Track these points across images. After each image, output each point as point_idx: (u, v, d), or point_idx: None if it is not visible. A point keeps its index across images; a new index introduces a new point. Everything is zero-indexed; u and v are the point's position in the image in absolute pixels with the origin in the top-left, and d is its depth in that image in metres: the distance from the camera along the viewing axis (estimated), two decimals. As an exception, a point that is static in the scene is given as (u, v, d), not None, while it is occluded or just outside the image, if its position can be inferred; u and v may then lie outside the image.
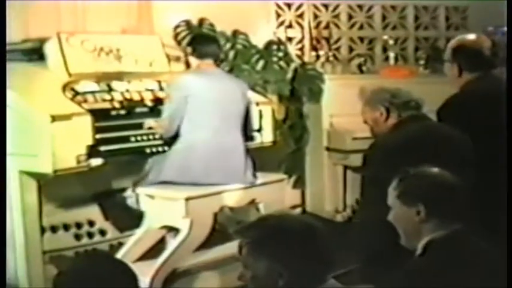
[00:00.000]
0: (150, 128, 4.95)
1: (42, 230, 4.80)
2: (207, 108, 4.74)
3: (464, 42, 4.45)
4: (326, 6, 7.53)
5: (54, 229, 4.93)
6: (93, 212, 5.14)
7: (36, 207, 4.69)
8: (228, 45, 6.39)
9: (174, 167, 4.69)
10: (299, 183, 6.71)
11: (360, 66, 7.38)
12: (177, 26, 6.37)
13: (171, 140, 4.83)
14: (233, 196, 4.82)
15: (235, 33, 6.55)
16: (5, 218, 4.46)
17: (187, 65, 5.35)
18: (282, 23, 7.32)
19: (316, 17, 7.48)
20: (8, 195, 4.62)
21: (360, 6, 7.70)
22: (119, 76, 5.18)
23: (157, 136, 4.97)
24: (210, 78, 4.85)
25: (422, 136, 3.81)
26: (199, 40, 5.17)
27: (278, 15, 7.32)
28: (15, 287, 4.69)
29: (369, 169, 3.95)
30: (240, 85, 5.09)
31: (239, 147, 4.86)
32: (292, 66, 6.69)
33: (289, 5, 7.36)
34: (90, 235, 5.08)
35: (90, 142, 4.50)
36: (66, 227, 5.00)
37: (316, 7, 7.48)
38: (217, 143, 4.74)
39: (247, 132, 5.12)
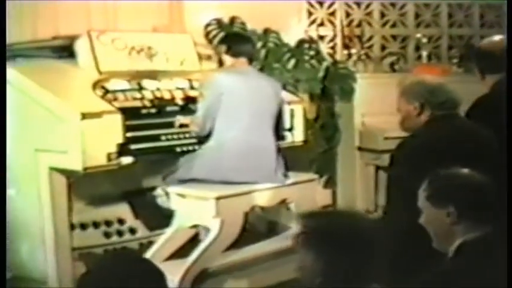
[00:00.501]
0: (181, 127, 4.94)
1: (72, 227, 4.82)
2: (240, 106, 4.73)
3: (481, 45, 4.40)
4: (358, 4, 7.50)
5: (83, 226, 4.94)
6: (123, 210, 5.15)
7: (66, 204, 4.71)
8: (260, 44, 6.37)
9: (205, 165, 4.68)
10: (330, 183, 6.68)
11: (392, 64, 7.34)
12: (208, 25, 6.37)
13: (203, 138, 4.82)
14: (264, 196, 4.79)
15: (267, 31, 6.52)
16: (5, 218, 4.46)
17: (220, 63, 5.33)
18: (313, 21, 7.31)
19: (348, 15, 7.46)
20: (38, 192, 4.65)
21: (393, 4, 7.65)
22: (150, 74, 5.18)
23: (187, 135, 4.97)
24: (244, 77, 4.84)
25: (452, 136, 3.74)
26: (234, 39, 5.18)
27: (310, 14, 7.31)
28: (43, 282, 4.72)
29: (397, 169, 3.89)
30: (273, 84, 5.07)
31: (271, 146, 4.84)
32: (324, 64, 6.64)
33: (321, 3, 7.34)
34: (119, 233, 5.08)
35: (120, 140, 4.51)
36: (95, 225, 5.02)
37: (348, 5, 7.45)
38: (249, 141, 4.72)
39: (279, 132, 5.10)
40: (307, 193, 5.05)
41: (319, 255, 2.38)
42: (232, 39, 5.15)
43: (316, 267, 2.38)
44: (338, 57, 7.17)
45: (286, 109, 5.41)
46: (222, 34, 6.08)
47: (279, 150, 4.94)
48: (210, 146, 4.75)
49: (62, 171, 4.61)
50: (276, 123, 4.99)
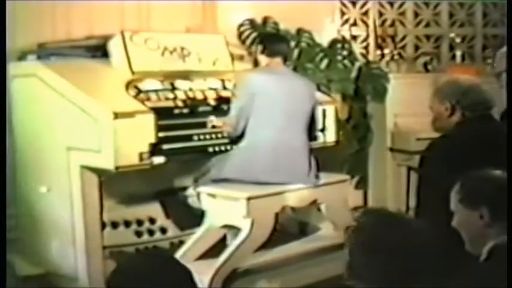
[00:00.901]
0: (213, 127, 4.92)
1: (103, 225, 4.85)
2: (274, 106, 4.71)
3: None
4: (391, 3, 7.48)
5: (114, 225, 4.98)
6: (154, 209, 5.16)
7: (97, 203, 4.74)
8: (292, 44, 6.39)
9: (237, 165, 4.68)
10: (361, 184, 6.67)
11: (425, 65, 7.30)
12: (241, 25, 6.40)
13: (236, 139, 4.83)
14: (295, 196, 4.77)
15: (299, 31, 6.54)
16: (5, 218, 4.49)
17: (255, 63, 5.32)
18: (346, 21, 7.30)
19: (381, 14, 7.44)
20: (69, 190, 4.70)
21: (427, 4, 7.61)
22: (183, 75, 5.18)
23: (220, 135, 4.97)
24: (279, 77, 4.81)
25: (484, 137, 3.69)
26: (270, 38, 5.18)
27: (343, 13, 7.30)
28: (74, 279, 4.76)
29: (428, 170, 3.85)
30: (307, 84, 5.04)
31: (304, 147, 4.82)
32: (357, 65, 6.64)
33: (354, 3, 7.34)
34: (150, 232, 5.10)
35: (152, 140, 4.52)
36: (126, 224, 5.05)
37: (381, 4, 7.44)
38: (282, 142, 4.70)
39: (312, 132, 5.08)
40: (339, 194, 5.04)
41: (365, 252, 2.36)
42: (268, 39, 5.14)
43: (362, 264, 2.36)
44: (371, 57, 7.16)
45: (319, 109, 5.40)
46: (254, 34, 6.11)
47: (311, 150, 4.93)
48: (243, 146, 4.75)
49: (94, 170, 4.64)
50: (310, 124, 4.98)
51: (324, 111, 5.47)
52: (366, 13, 7.36)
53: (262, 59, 4.96)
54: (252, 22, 6.44)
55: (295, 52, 6.41)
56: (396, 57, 7.22)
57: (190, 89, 5.15)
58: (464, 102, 3.79)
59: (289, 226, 5.30)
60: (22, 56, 5.13)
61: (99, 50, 5.15)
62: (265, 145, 4.69)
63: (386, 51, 7.19)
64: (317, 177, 4.88)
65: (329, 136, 5.53)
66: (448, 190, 2.84)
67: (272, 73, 4.84)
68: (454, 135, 3.77)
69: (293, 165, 4.75)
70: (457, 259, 2.87)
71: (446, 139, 3.79)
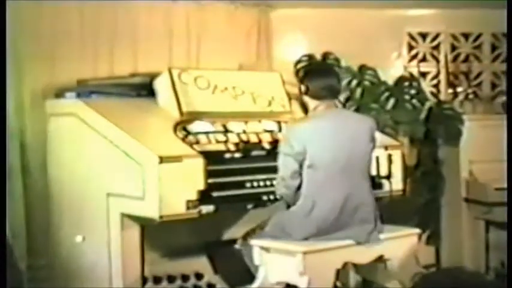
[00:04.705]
0: (267, 173, 4.89)
1: (144, 280, 4.88)
2: (329, 156, 4.56)
3: None
4: (466, 36, 7.42)
5: (156, 280, 5.03)
6: (201, 263, 5.21)
7: (138, 255, 4.77)
8: (355, 82, 6.40)
9: (295, 222, 4.65)
10: (433, 239, 6.58)
11: (504, 105, 7.24)
12: (298, 61, 6.41)
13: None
14: (358, 251, 4.70)
15: (362, 68, 6.52)
16: (5, 219, 4.49)
17: (303, 106, 5.15)
18: (414, 56, 7.27)
19: (454, 48, 7.39)
20: (107, 240, 4.76)
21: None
22: (235, 116, 5.23)
23: (274, 182, 4.94)
24: (329, 123, 4.62)
25: None
26: (312, 75, 4.84)
27: (410, 48, 7.27)
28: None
29: None
30: (365, 122, 4.84)
31: (368, 199, 4.69)
32: (427, 105, 6.62)
33: (424, 35, 7.30)
34: (197, 289, 5.14)
35: (201, 187, 4.54)
36: (170, 279, 5.09)
37: (454, 37, 7.39)
38: (342, 195, 4.57)
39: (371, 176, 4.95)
40: (407, 249, 4.95)
41: None
42: (310, 76, 4.83)
43: None
44: (442, 96, 7.14)
45: (384, 154, 5.36)
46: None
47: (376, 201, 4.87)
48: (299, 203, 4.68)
49: (136, 219, 4.67)
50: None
51: (389, 156, 5.38)
52: (436, 47, 7.33)
53: (309, 102, 4.76)
54: (310, 58, 6.46)
55: (358, 91, 6.41)
56: (471, 96, 7.18)
57: (244, 132, 5.18)
58: None
59: (352, 285, 5.26)
60: (60, 93, 5.21)
61: (144, 89, 5.22)
62: (323, 201, 4.62)
63: (459, 89, 7.17)
64: (379, 232, 4.80)
65: (395, 184, 5.41)
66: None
67: (321, 119, 4.68)
68: None
69: (356, 220, 4.67)
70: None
71: None
